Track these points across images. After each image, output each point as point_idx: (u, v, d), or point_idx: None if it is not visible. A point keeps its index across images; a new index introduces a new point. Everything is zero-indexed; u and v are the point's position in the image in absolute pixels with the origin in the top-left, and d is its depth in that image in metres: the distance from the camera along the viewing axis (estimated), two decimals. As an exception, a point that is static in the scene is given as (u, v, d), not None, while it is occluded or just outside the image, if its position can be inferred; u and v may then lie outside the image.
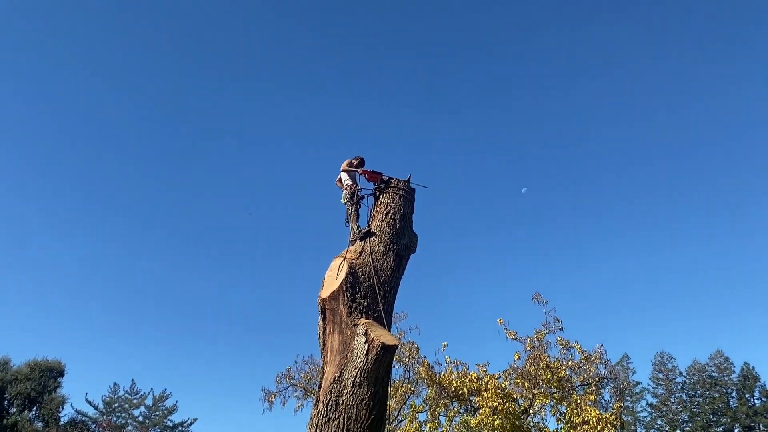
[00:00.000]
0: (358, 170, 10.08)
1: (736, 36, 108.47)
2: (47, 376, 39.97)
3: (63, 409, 41.07)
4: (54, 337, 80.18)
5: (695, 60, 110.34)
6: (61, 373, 41.48)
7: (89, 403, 52.04)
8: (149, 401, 54.58)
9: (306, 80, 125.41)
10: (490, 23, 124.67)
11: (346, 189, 10.05)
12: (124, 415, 53.34)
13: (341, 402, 7.58)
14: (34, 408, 39.15)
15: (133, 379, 56.13)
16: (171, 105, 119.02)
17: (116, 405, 53.46)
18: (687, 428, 56.73)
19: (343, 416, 7.50)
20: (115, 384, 54.60)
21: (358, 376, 7.57)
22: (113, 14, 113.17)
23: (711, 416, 56.82)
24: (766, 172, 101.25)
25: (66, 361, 42.56)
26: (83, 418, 49.89)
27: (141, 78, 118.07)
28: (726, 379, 58.72)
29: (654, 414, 58.85)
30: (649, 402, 59.54)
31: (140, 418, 53.40)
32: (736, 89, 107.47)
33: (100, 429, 49.02)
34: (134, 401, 54.21)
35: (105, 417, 51.61)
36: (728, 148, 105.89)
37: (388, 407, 8.34)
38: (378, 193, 9.76)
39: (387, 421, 8.45)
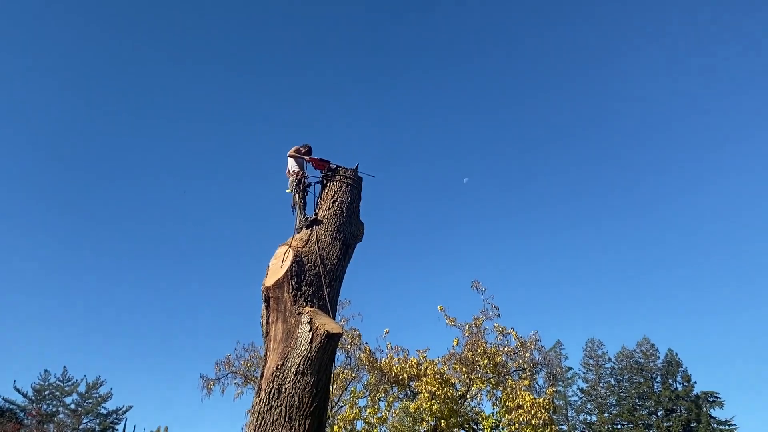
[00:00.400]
0: (305, 158, 10.03)
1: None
2: (-29, 363, 38.25)
3: (-11, 397, 39.44)
4: (-22, 323, 76.61)
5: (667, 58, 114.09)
6: (-13, 360, 39.78)
7: (18, 390, 50.09)
8: (82, 388, 52.90)
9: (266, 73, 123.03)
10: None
11: (292, 176, 9.97)
12: (55, 402, 51.54)
13: (284, 390, 7.60)
14: (-42, 396, 37.43)
15: (65, 366, 54.25)
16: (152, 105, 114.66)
17: (47, 393, 51.58)
18: (614, 411, 59.17)
19: (285, 404, 7.53)
20: (45, 371, 52.65)
21: (302, 364, 7.61)
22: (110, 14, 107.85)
23: (637, 400, 59.41)
24: (692, 155, 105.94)
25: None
26: (11, 407, 48.03)
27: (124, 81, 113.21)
28: (651, 364, 61.39)
29: (584, 398, 61.08)
30: (580, 387, 61.80)
31: (72, 406, 51.71)
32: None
33: (29, 417, 47.30)
34: (66, 389, 52.39)
35: (35, 405, 49.77)
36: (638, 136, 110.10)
37: (330, 394, 8.42)
38: (325, 182, 9.76)
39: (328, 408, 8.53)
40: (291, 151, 10.11)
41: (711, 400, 58.08)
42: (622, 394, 60.36)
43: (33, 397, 50.63)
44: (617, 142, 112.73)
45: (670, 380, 60.12)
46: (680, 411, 57.80)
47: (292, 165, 10.07)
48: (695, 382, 59.05)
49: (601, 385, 61.25)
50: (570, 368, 61.20)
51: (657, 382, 60.53)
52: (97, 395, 52.81)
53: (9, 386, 52.63)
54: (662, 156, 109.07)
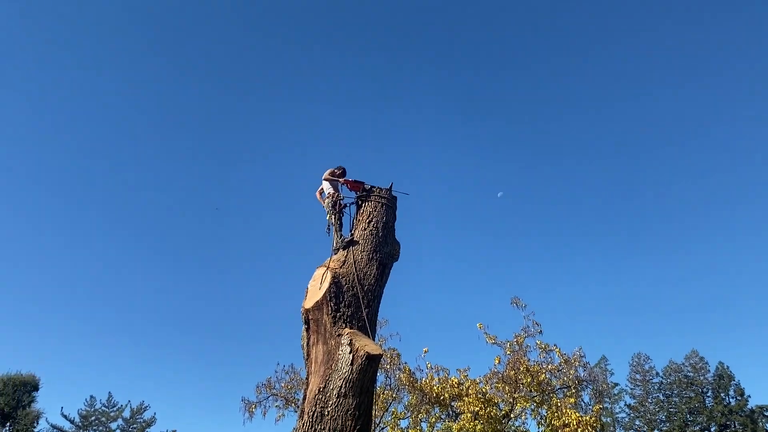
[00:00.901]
0: (340, 180, 10.11)
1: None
2: (21, 391, 39.22)
3: (38, 423, 40.39)
4: (28, 350, 78.64)
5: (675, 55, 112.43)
6: (36, 387, 40.71)
7: (65, 417, 51.01)
8: (127, 414, 53.64)
9: (295, 85, 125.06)
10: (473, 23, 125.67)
11: (328, 198, 10.06)
12: (101, 428, 52.37)
13: (326, 413, 7.56)
14: (8, 423, 38.35)
15: (110, 392, 55.11)
16: (163, 111, 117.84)
17: (93, 418, 52.48)
18: (665, 428, 57.39)
19: (329, 427, 7.49)
20: (91, 397, 53.61)
21: (343, 386, 7.57)
22: (109, 15, 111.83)
23: (688, 416, 57.57)
24: (736, 173, 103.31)
25: (41, 375, 41.84)
26: (59, 433, 48.95)
27: (130, 82, 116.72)
28: (701, 378, 59.55)
29: (632, 415, 59.48)
30: (628, 403, 60.18)
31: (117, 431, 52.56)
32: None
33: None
34: (111, 414, 53.24)
35: (81, 431, 50.67)
36: (712, 149, 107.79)
37: (372, 416, 8.34)
38: (360, 202, 9.79)
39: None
40: (326, 174, 10.25)
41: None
42: (672, 409, 58.56)
43: (80, 423, 51.55)
44: (663, 155, 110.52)
45: (722, 394, 58.11)
46: (734, 426, 55.68)
47: (327, 187, 10.19)
48: (749, 396, 56.92)
49: (649, 400, 59.56)
50: (616, 384, 59.79)
51: (708, 396, 58.59)
52: (142, 420, 53.50)
53: (57, 413, 53.70)
54: (708, 166, 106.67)
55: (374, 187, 9.82)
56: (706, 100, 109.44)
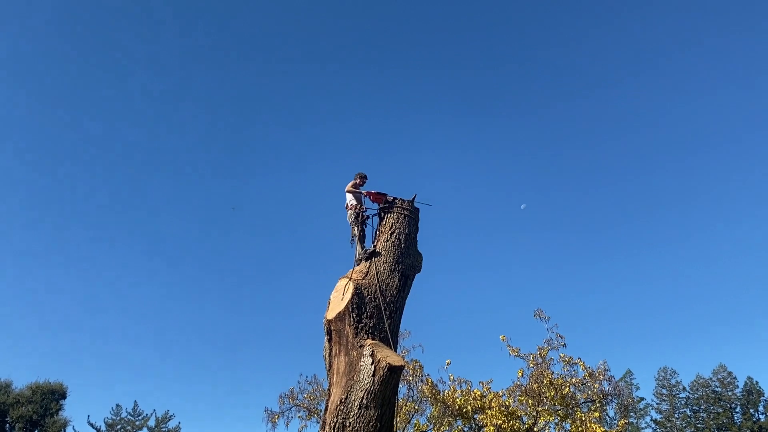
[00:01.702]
0: (363, 192, 10.19)
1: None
2: (49, 399, 39.81)
3: (65, 431, 40.82)
4: (56, 359, 79.81)
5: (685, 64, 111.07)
6: (63, 396, 41.30)
7: (91, 425, 51.55)
8: (152, 423, 54.13)
9: (313, 91, 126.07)
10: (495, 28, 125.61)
11: (350, 209, 10.15)
12: (126, 437, 52.95)
13: (348, 424, 7.58)
14: (36, 431, 38.91)
15: (135, 401, 55.70)
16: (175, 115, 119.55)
17: (119, 427, 53.03)
18: (692, 444, 56.36)
19: (351, 438, 7.51)
20: (117, 405, 54.21)
21: (365, 397, 7.58)
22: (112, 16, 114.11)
23: (716, 431, 56.40)
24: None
25: (68, 383, 42.44)
26: (85, 441, 49.55)
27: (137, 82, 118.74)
28: (730, 393, 58.29)
29: (659, 430, 58.35)
30: (654, 418, 59.10)
31: (142, 440, 53.02)
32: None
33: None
34: (137, 423, 53.75)
35: (107, 439, 51.23)
36: (734, 164, 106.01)
37: (394, 428, 8.34)
38: (383, 213, 9.85)
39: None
40: (348, 186, 10.33)
41: (799, 431, 54.47)
42: (699, 425, 57.35)
43: (106, 432, 52.18)
44: (686, 163, 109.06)
45: (751, 410, 56.78)
46: (765, 443, 54.38)
47: (350, 199, 10.27)
48: (779, 412, 55.61)
49: (675, 416, 58.41)
50: (642, 399, 58.77)
51: (737, 412, 57.30)
52: (166, 429, 53.92)
53: (83, 421, 54.33)
54: (744, 179, 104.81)
55: (397, 198, 9.87)
56: None
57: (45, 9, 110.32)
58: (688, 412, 58.86)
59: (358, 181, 10.38)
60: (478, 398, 21.35)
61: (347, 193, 10.32)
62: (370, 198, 10.10)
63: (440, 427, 22.25)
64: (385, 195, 10.00)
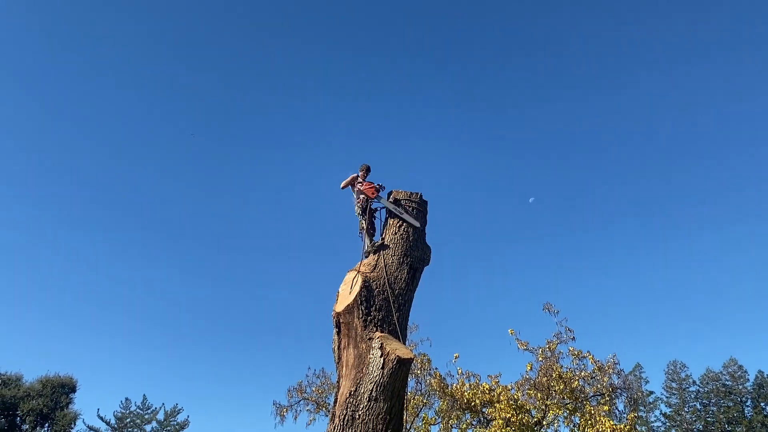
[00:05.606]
0: (356, 187, 10.04)
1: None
2: (59, 392, 40.03)
3: (75, 425, 41.09)
4: (66, 352, 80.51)
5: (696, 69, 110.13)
6: (73, 389, 41.53)
7: (101, 418, 52.03)
8: (161, 416, 54.51)
9: (318, 85, 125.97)
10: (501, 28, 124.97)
11: (358, 202, 10.04)
12: (135, 430, 53.27)
13: (357, 417, 7.56)
14: (47, 424, 39.18)
15: (144, 394, 56.12)
16: (177, 107, 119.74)
17: (128, 420, 53.43)
18: (702, 438, 56.13)
19: (360, 431, 7.48)
20: (126, 399, 54.66)
21: (374, 390, 7.56)
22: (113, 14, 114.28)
23: (726, 425, 56.09)
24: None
25: (78, 377, 42.68)
26: (95, 435, 49.87)
27: (142, 79, 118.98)
28: (740, 387, 58.00)
29: (668, 424, 58.18)
30: (663, 412, 58.91)
31: (151, 434, 53.35)
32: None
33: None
34: (146, 416, 54.14)
35: (117, 432, 51.61)
36: (741, 158, 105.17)
37: (403, 421, 8.31)
38: (390, 206, 9.76)
39: (402, 435, 8.40)
40: (343, 184, 10.22)
41: (810, 425, 54.15)
42: (709, 419, 57.11)
43: (115, 425, 52.50)
44: (694, 156, 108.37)
45: (762, 404, 56.46)
46: (775, 437, 54.11)
47: (357, 192, 10.15)
48: (791, 406, 55.29)
49: (685, 409, 58.19)
50: (651, 392, 58.53)
51: (747, 406, 57.02)
52: (175, 423, 54.23)
53: (93, 414, 54.79)
54: (737, 172, 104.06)
55: (383, 186, 9.88)
56: None
57: (41, 5, 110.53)
58: (698, 406, 58.63)
59: (360, 173, 10.21)
60: (487, 392, 21.30)
61: (350, 187, 10.21)
62: (366, 194, 9.89)
63: (449, 420, 22.22)
64: (372, 184, 9.86)
